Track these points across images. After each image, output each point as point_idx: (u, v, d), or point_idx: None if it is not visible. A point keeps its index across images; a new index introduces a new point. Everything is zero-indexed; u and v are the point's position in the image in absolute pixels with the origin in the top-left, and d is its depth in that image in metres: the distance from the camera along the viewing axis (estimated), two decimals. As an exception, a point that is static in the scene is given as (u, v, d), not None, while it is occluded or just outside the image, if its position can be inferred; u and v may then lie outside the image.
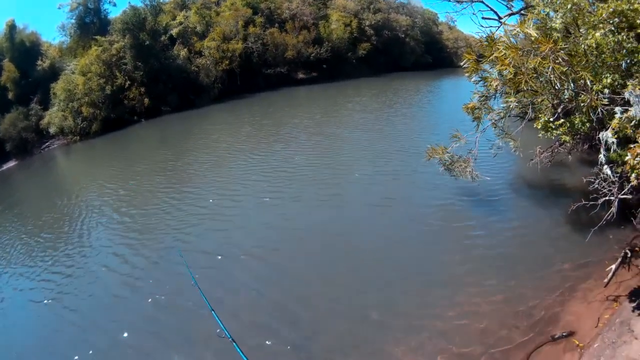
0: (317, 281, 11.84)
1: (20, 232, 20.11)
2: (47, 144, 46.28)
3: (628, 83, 8.24)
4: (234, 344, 7.77)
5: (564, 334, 8.93)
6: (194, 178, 22.80)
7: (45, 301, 13.06)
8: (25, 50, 51.62)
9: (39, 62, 51.36)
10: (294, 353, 9.29)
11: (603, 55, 9.16)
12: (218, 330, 8.33)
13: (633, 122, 8.14)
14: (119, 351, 10.09)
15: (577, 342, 8.65)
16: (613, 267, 10.09)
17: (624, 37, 8.58)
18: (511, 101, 11.27)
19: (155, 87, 51.93)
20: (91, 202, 21.63)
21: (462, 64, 11.98)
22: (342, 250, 13.37)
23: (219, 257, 13.48)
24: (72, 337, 11.10)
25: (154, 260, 13.97)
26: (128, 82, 50.12)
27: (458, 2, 15.79)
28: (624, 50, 8.81)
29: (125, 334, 10.58)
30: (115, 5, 78.82)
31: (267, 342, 9.54)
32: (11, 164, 43.66)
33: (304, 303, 10.92)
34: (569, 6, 9.22)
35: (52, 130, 46.19)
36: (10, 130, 44.84)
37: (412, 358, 8.87)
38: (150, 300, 11.74)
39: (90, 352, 10.17)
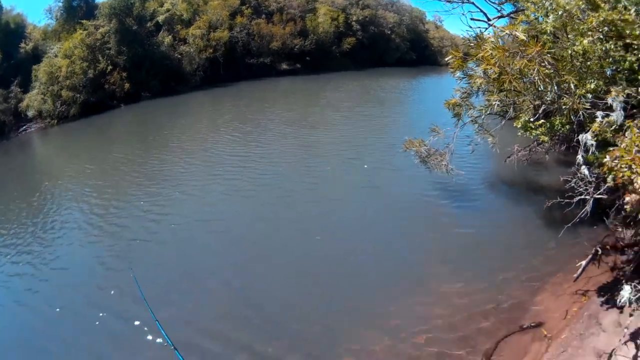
0: (288, 273, 11.95)
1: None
2: (24, 127, 45.02)
3: (612, 89, 8.50)
4: (176, 351, 7.99)
5: (532, 324, 9.20)
6: (161, 170, 22.26)
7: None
8: (10, 32, 50.31)
9: (22, 45, 50.16)
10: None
11: (589, 62, 9.38)
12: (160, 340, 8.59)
13: (613, 126, 8.42)
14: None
15: (545, 333, 8.90)
16: (583, 263, 10.42)
17: (612, 45, 8.80)
18: (494, 99, 11.48)
19: (138, 72, 51.28)
20: (58, 194, 21.07)
21: (446, 59, 12.19)
22: (316, 242, 13.51)
23: (174, 269, 12.73)
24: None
25: (104, 266, 13.18)
26: (110, 67, 49.30)
27: (448, 1, 16.04)
28: (610, 59, 9.05)
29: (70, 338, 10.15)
30: (103, -11, 77.30)
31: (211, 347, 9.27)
32: (-13, 146, 42.64)
33: (269, 293, 11.00)
34: (560, 12, 9.43)
35: (30, 113, 45.08)
36: (-10, 113, 43.69)
37: (382, 343, 9.04)
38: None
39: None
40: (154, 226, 15.17)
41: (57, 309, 11.16)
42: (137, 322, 10.01)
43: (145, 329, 9.66)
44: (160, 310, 9.87)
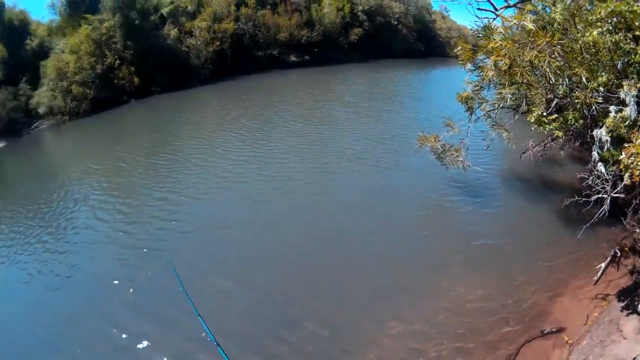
0: (306, 274, 11.76)
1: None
2: (36, 124, 45.21)
3: (623, 83, 8.22)
4: (219, 347, 7.81)
5: (553, 329, 9.13)
6: (178, 166, 22.13)
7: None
8: (14, 29, 50.06)
9: (28, 41, 49.99)
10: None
11: (599, 54, 9.17)
12: (203, 334, 8.38)
13: (627, 122, 8.17)
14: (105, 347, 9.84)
15: (567, 339, 8.79)
16: (603, 265, 10.18)
17: (621, 37, 8.52)
18: (506, 92, 11.19)
19: (145, 67, 50.98)
20: (78, 190, 20.93)
21: (455, 50, 11.87)
22: (331, 240, 13.31)
23: (206, 260, 12.93)
24: (56, 329, 10.91)
25: (140, 262, 13.19)
26: (118, 62, 49.16)
27: (454, -9, 15.58)
28: (620, 51, 8.81)
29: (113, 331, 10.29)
30: (106, -17, 77.61)
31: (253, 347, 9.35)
32: (0, 144, 42.95)
33: (291, 296, 10.87)
34: (568, 2, 9.10)
35: (41, 110, 44.98)
36: (0, 110, 43.98)
37: (404, 349, 8.97)
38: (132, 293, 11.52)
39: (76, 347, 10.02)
40: (160, 233, 14.79)
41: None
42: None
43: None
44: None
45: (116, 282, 12.10)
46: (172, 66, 53.54)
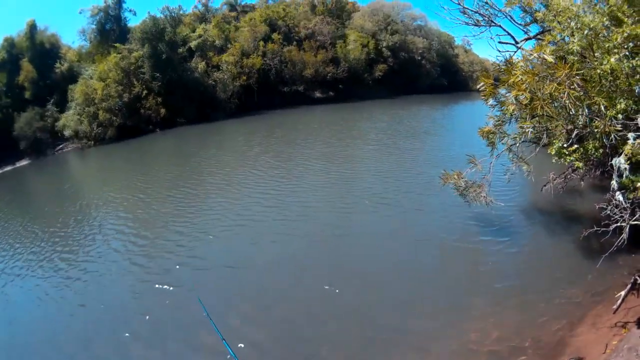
0: (331, 303, 11.77)
1: (30, 232, 20.44)
2: (61, 146, 46.90)
3: None
4: None
5: (572, 359, 8.93)
6: (197, 201, 21.94)
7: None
8: (44, 52, 52.63)
9: (58, 65, 52.24)
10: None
11: (617, 81, 9.15)
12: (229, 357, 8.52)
13: None
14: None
15: None
16: (622, 293, 10.05)
17: (639, 62, 8.62)
18: (527, 126, 11.29)
19: (172, 98, 52.50)
20: (95, 217, 21.41)
21: (478, 87, 12.06)
22: (354, 273, 13.29)
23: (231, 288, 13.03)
24: (77, 335, 11.29)
25: (155, 294, 13.02)
26: (145, 92, 50.83)
27: (476, 25, 15.92)
28: (638, 75, 8.80)
29: None
30: (135, 14, 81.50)
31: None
32: (24, 162, 44.31)
33: (315, 325, 10.93)
34: (585, 31, 9.29)
35: (67, 132, 46.86)
36: (26, 129, 45.65)
37: None
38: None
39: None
40: (175, 269, 14.48)
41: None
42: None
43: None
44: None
45: (131, 310, 12.21)
46: (199, 99, 55.01)
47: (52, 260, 16.32)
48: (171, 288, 13.03)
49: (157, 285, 13.24)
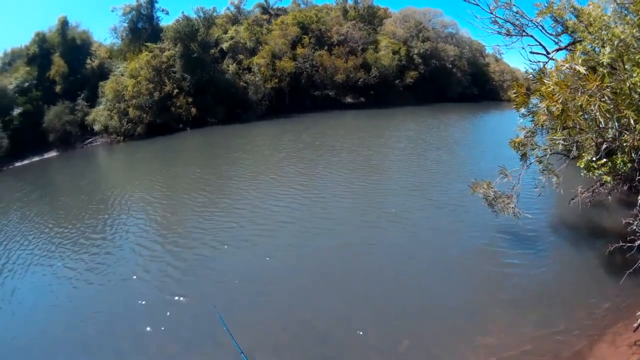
0: (349, 315, 11.63)
1: (53, 224, 20.74)
2: (90, 140, 47.98)
3: None
4: None
5: None
6: (218, 208, 21.16)
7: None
8: (75, 47, 53.78)
9: (89, 61, 53.33)
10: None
11: None
12: None
13: None
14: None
15: None
16: None
17: None
18: (557, 138, 11.21)
19: (203, 98, 53.13)
20: (117, 216, 21.28)
21: (510, 93, 12.00)
22: (377, 282, 13.19)
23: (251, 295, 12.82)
24: (97, 327, 11.52)
25: (184, 305, 12.71)
26: (176, 90, 51.54)
27: (508, 35, 15.79)
28: None
29: None
30: (167, 13, 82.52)
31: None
32: (52, 153, 45.31)
33: (332, 335, 10.86)
34: (615, 42, 9.19)
35: (96, 127, 48.00)
36: (55, 122, 46.62)
37: None
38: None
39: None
40: (192, 279, 14.14)
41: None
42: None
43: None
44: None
45: (147, 317, 12.07)
46: (229, 100, 55.47)
47: (72, 259, 16.33)
48: (188, 300, 12.84)
49: (173, 297, 12.98)
